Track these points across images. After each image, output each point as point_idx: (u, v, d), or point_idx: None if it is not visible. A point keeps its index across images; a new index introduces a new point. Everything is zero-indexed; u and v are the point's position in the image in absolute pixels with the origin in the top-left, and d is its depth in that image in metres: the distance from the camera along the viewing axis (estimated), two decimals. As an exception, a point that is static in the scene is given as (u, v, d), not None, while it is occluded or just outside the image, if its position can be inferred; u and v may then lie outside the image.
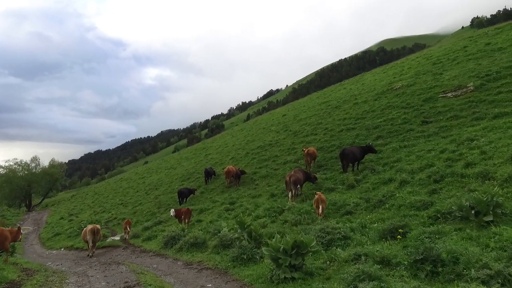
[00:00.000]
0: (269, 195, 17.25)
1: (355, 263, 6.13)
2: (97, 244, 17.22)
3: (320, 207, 10.77)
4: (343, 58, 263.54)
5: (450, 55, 34.52)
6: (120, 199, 39.06)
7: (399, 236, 6.85)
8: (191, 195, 24.19)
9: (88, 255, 14.63)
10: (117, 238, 19.08)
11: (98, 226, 15.57)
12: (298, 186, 14.80)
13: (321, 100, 45.19)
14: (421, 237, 6.32)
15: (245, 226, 8.73)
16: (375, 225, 8.41)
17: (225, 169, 23.64)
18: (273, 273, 6.05)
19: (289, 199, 14.64)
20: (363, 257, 6.11)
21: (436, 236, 6.19)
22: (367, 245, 7.05)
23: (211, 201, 20.69)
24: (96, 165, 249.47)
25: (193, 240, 10.72)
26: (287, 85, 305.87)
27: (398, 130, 20.34)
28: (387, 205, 9.93)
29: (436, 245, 5.23)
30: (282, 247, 5.80)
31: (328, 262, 6.46)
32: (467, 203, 6.96)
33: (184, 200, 23.80)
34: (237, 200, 18.27)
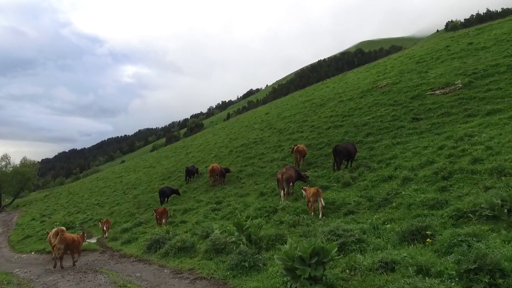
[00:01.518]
0: (258, 194, 16.33)
1: (381, 273, 5.30)
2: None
3: (320, 202, 10.30)
4: (322, 59, 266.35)
5: (433, 54, 34.66)
6: (96, 199, 37.24)
7: (428, 240, 6.07)
8: (174, 195, 22.90)
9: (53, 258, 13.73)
10: (93, 241, 17.70)
11: (63, 228, 14.25)
12: (291, 184, 13.94)
13: (304, 99, 44.76)
14: (454, 240, 5.56)
15: (244, 228, 7.73)
16: (388, 226, 7.64)
17: (209, 167, 22.56)
18: (288, 286, 5.08)
19: (281, 198, 13.77)
20: (391, 265, 5.26)
21: (473, 239, 5.44)
22: (387, 249, 6.24)
23: (195, 200, 19.55)
24: (70, 165, 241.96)
25: (181, 243, 9.57)
26: (267, 85, 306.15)
27: (388, 127, 19.88)
28: (394, 204, 9.19)
29: (491, 251, 4.44)
30: (298, 255, 4.88)
31: (348, 271, 5.56)
32: (498, 201, 6.27)
33: (166, 200, 22.55)
34: (224, 199, 17.25)
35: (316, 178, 15.43)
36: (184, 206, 18.82)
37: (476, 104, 18.37)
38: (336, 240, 6.69)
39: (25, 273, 11.51)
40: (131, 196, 30.33)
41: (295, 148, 18.97)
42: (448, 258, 5.01)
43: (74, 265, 11.51)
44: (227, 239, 8.25)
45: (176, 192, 22.71)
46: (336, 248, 4.98)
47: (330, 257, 4.86)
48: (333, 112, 28.63)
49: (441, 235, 6.11)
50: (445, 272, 4.69)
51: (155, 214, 16.99)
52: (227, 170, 21.99)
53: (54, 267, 11.15)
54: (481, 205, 6.58)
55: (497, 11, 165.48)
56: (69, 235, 11.80)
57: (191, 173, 26.18)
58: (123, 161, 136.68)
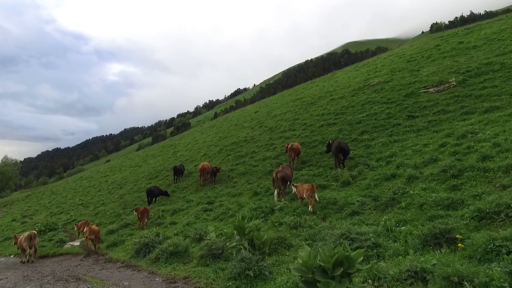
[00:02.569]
0: (251, 194, 15.62)
1: (411, 283, 4.65)
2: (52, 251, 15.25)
3: (315, 196, 10.52)
4: (309, 59, 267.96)
5: (423, 53, 34.63)
6: (80, 199, 35.94)
7: (460, 245, 5.46)
8: (162, 196, 21.86)
9: (23, 261, 14.62)
10: (76, 243, 16.71)
11: (35, 231, 15.56)
12: (288, 183, 13.30)
13: (294, 97, 44.36)
14: (490, 245, 4.97)
15: (246, 232, 6.96)
16: (403, 228, 7.03)
17: (200, 166, 21.73)
18: (307, 301, 4.39)
19: (275, 197, 13.15)
20: (421, 275, 4.61)
21: (513, 244, 4.86)
22: (409, 255, 5.62)
23: (185, 200, 18.69)
24: (54, 164, 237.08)
25: (173, 248, 8.75)
26: (254, 84, 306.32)
27: (383, 124, 19.46)
28: (402, 204, 8.60)
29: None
30: (318, 265, 4.19)
31: (370, 281, 4.87)
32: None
33: (154, 200, 21.63)
34: (215, 199, 16.45)
35: (313, 176, 14.82)
36: (174, 206, 17.96)
37: (473, 101, 18.09)
38: (350, 245, 6.03)
39: (0, 280, 10.57)
40: (117, 196, 29.27)
41: (289, 146, 18.33)
42: (493, 267, 4.41)
43: (96, 252, 13.54)
44: (227, 243, 7.47)
45: (165, 193, 21.68)
46: (362, 257, 4.32)
47: (356, 267, 4.21)
48: (325, 110, 28.20)
49: (469, 238, 5.53)
50: (491, 284, 4.06)
51: (135, 213, 16.69)
52: (217, 169, 21.20)
53: (89, 255, 13.30)
54: (511, 205, 6.04)
55: (480, 13, 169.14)
56: (94, 226, 14.13)
57: (179, 172, 25.31)
58: (108, 161, 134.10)
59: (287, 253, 7.31)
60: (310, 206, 10.65)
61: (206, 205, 15.70)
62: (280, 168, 13.63)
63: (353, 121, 22.11)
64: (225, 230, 8.46)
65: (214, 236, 8.43)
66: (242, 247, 6.74)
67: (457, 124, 15.74)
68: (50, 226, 23.22)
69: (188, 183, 23.21)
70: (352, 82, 35.49)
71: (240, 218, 7.06)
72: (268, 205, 11.88)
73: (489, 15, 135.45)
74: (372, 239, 6.15)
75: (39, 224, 23.78)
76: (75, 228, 18.52)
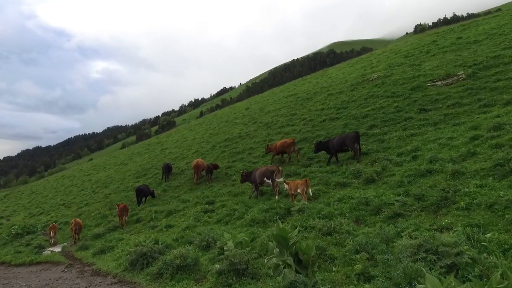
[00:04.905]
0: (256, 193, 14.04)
1: None
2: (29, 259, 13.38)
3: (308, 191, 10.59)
4: (295, 58, 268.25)
5: (420, 48, 33.91)
6: (62, 198, 33.63)
7: None
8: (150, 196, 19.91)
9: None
10: (57, 249, 14.82)
11: None
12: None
13: (286, 94, 43.15)
14: None
15: (289, 243, 5.24)
16: (488, 235, 5.55)
17: (194, 163, 19.94)
18: None
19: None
20: None
21: None
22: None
23: (180, 200, 16.87)
24: (35, 163, 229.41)
25: (181, 260, 7.06)
26: (240, 83, 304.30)
27: (394, 118, 18.23)
28: (462, 204, 7.12)
29: None
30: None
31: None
32: None
33: (144, 200, 19.78)
34: (216, 199, 14.73)
35: (326, 173, 13.31)
36: (167, 207, 16.16)
37: (489, 94, 17.00)
38: (436, 261, 4.54)
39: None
40: (102, 195, 27.23)
41: (290, 141, 16.92)
42: None
43: (79, 239, 15.77)
44: (265, 260, 5.72)
45: (151, 194, 19.72)
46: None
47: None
48: (324, 105, 26.94)
49: None
50: None
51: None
52: (215, 166, 19.43)
53: (75, 243, 15.45)
54: None
55: (462, 15, 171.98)
56: (79, 220, 16.32)
57: (170, 169, 23.47)
58: (91, 159, 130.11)
59: (334, 268, 5.71)
60: (303, 198, 10.59)
61: (206, 205, 13.93)
62: (271, 164, 12.79)
63: (358, 115, 20.84)
64: (245, 238, 6.85)
65: (232, 245, 6.77)
66: (285, 264, 5.08)
67: (478, 117, 14.56)
68: (28, 228, 21.23)
69: (181, 182, 21.42)
70: (349, 78, 34.45)
71: (280, 225, 5.33)
72: (283, 206, 10.29)
73: (470, 17, 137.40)
74: (468, 252, 4.61)
75: (16, 227, 21.66)
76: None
